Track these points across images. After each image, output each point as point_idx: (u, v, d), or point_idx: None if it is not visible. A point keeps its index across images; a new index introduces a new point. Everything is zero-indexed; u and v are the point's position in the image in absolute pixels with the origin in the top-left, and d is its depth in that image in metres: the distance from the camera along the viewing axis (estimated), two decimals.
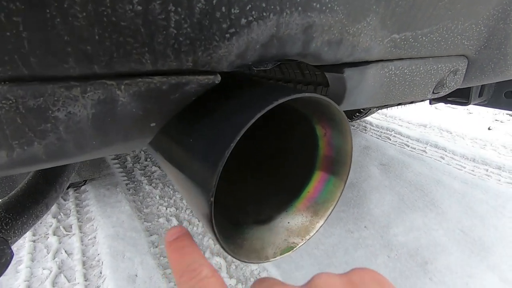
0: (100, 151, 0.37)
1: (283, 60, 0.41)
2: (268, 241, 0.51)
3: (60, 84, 0.29)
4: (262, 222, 0.54)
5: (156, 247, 1.88)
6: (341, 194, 0.54)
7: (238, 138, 0.33)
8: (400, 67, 0.57)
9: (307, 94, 0.37)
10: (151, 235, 1.98)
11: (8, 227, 0.61)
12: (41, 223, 2.20)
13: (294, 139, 0.58)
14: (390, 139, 3.72)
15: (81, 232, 2.06)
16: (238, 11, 0.31)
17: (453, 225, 2.06)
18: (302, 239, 0.53)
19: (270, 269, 1.71)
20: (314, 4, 0.35)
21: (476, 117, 4.59)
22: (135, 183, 2.59)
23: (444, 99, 1.41)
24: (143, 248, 1.86)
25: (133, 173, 2.76)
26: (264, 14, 0.32)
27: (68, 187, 2.46)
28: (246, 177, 0.63)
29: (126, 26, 0.27)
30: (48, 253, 1.90)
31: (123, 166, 2.88)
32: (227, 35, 0.32)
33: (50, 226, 2.13)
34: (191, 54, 0.31)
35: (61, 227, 2.12)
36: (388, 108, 4.73)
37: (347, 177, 0.54)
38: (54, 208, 2.34)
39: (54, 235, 2.04)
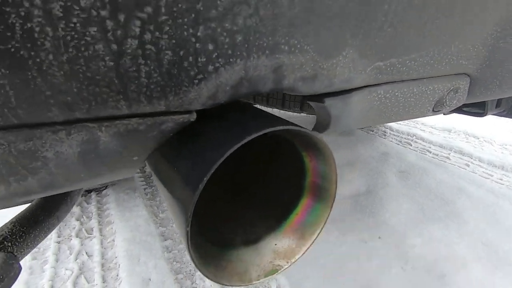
0: (89, 181, 0.41)
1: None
2: (253, 263, 0.53)
3: (47, 129, 0.33)
4: (249, 243, 0.56)
5: (170, 251, 1.94)
6: (327, 219, 0.55)
7: (208, 175, 0.35)
8: (390, 91, 0.56)
9: (282, 127, 0.39)
10: (165, 240, 2.05)
11: (21, 240, 0.67)
12: (65, 225, 2.34)
13: (284, 164, 0.60)
14: (411, 145, 3.59)
15: (101, 235, 2.17)
16: (204, 59, 0.33)
17: (475, 237, 1.96)
18: (288, 262, 0.54)
19: (279, 278, 1.71)
20: (282, 46, 0.36)
21: (507, 121, 4.33)
22: (153, 188, 2.69)
23: (459, 110, 1.36)
24: (158, 252, 1.92)
25: (151, 178, 2.87)
26: (231, 60, 0.34)
27: (91, 191, 2.59)
28: (238, 199, 0.65)
29: (101, 79, 0.30)
30: (71, 254, 2.01)
31: (142, 171, 3.00)
32: (196, 81, 0.34)
33: (74, 228, 2.25)
34: (163, 99, 0.33)
35: (83, 229, 2.24)
36: None
37: (332, 203, 0.54)
38: (77, 211, 2.48)
39: (77, 237, 2.16)
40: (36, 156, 0.35)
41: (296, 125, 0.40)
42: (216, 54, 0.33)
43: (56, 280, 1.85)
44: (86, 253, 2.02)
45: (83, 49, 0.28)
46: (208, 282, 1.75)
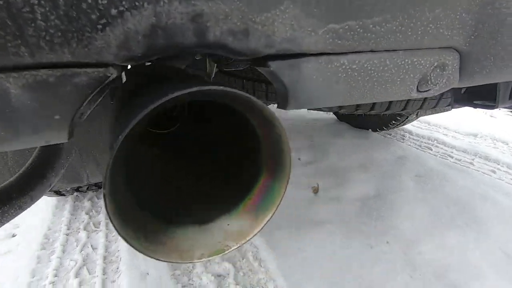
0: (12, 143, 0.39)
1: (188, 53, 0.39)
2: (199, 242, 0.49)
3: None
4: (201, 222, 0.53)
5: None
6: (280, 200, 0.50)
7: (122, 138, 0.33)
8: (357, 61, 0.51)
9: (203, 87, 0.36)
10: None
11: None
12: (75, 218, 2.41)
13: (241, 141, 0.56)
14: (431, 149, 3.40)
15: (107, 229, 2.21)
16: (105, 1, 0.31)
17: (494, 246, 1.79)
18: (237, 243, 0.50)
19: (277, 279, 1.65)
20: None
21: None
22: None
23: (470, 102, 1.26)
24: None
25: None
26: (137, 3, 0.32)
27: (63, 194, 2.54)
28: (196, 177, 0.62)
29: None
30: (77, 246, 2.07)
31: None
32: (99, 26, 0.32)
33: (83, 221, 2.32)
34: (66, 46, 0.32)
35: (91, 223, 2.30)
36: (432, 116, 4.34)
37: (287, 181, 0.50)
38: (88, 205, 2.55)
39: (85, 230, 2.21)
40: None
41: (226, 86, 0.36)
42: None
43: (61, 270, 1.90)
44: (91, 245, 2.07)
45: None
46: (205, 279, 1.72)
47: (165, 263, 1.81)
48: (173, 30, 0.35)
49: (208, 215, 0.53)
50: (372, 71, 0.55)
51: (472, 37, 0.58)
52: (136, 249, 0.40)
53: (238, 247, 0.50)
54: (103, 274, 1.80)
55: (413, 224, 2.02)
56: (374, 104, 1.43)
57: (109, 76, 0.36)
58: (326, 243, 1.86)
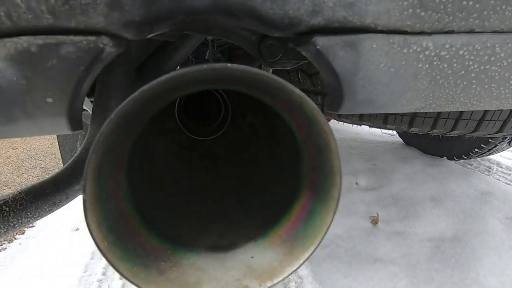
0: (9, 128, 0.34)
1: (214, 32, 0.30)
2: (211, 276, 0.37)
3: None
4: (218, 249, 0.41)
5: None
6: (327, 229, 0.36)
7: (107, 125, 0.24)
8: (448, 46, 0.36)
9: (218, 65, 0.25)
10: None
11: (21, 207, 0.67)
12: None
13: (277, 152, 0.44)
14: None
15: None
16: None
17: None
18: (260, 285, 0.37)
19: None
20: None
21: None
22: None
23: None
24: None
25: None
26: None
27: None
28: (221, 193, 0.51)
29: None
30: None
31: None
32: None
33: None
34: (43, 3, 0.25)
35: None
36: None
37: (337, 205, 0.35)
38: None
39: None
40: None
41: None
42: None
43: (108, 269, 1.96)
44: None
45: None
46: None
47: None
48: None
49: (227, 240, 0.42)
50: (471, 62, 0.38)
51: None
52: (121, 273, 0.31)
53: None
54: None
55: (502, 279, 1.60)
56: (456, 122, 1.15)
57: (104, 48, 0.29)
58: (386, 287, 1.57)
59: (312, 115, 0.30)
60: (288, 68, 0.53)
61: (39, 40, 0.29)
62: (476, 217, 2.17)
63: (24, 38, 0.29)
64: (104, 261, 2.03)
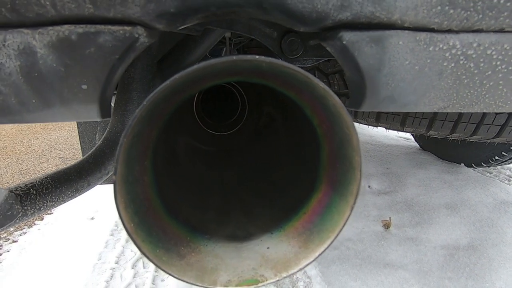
0: (46, 113, 0.36)
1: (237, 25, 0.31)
2: (228, 263, 0.39)
3: None
4: (235, 238, 0.42)
5: None
6: (345, 223, 0.36)
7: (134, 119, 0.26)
8: (476, 45, 0.35)
9: (243, 57, 0.26)
10: None
11: (47, 191, 0.70)
12: None
13: (296, 145, 0.45)
14: None
15: None
16: None
17: None
18: (276, 275, 0.37)
19: None
20: None
21: None
22: None
23: None
24: None
25: None
26: None
27: None
28: (241, 184, 0.52)
29: None
30: None
31: None
32: None
33: None
34: None
35: None
36: None
37: (355, 199, 0.36)
38: None
39: None
40: None
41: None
42: None
43: (121, 258, 2.02)
44: None
45: None
46: None
47: None
48: None
49: (244, 231, 0.43)
50: (499, 62, 0.37)
51: None
52: (145, 254, 0.32)
53: (277, 280, 0.37)
54: (155, 271, 1.84)
55: None
56: (478, 126, 1.12)
57: (138, 38, 0.30)
58: None
59: (336, 109, 0.30)
60: (307, 66, 0.53)
61: (80, 29, 0.31)
62: (493, 226, 2.11)
63: (65, 26, 0.31)
64: (117, 250, 2.09)
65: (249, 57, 0.26)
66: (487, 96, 0.41)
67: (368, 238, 1.98)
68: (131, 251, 2.07)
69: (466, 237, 1.98)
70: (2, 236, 2.32)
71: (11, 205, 0.53)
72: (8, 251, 2.15)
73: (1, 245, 2.22)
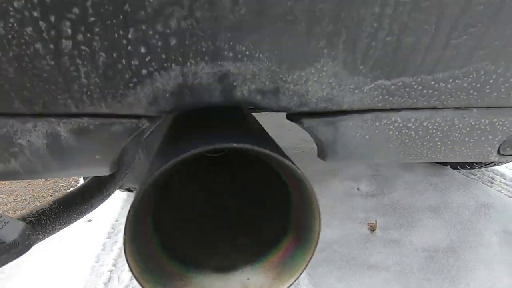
0: (63, 172, 0.44)
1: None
2: None
3: (16, 119, 0.37)
4: (221, 269, 0.51)
5: None
6: (306, 265, 0.45)
7: (144, 188, 0.34)
8: (413, 120, 0.44)
9: (225, 145, 0.34)
10: None
11: (55, 217, 0.78)
12: None
13: (273, 197, 0.53)
14: None
15: None
16: (137, 62, 0.32)
17: None
18: None
19: None
20: (225, 52, 0.32)
21: None
22: None
23: None
24: None
25: None
26: (165, 64, 0.32)
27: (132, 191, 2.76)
28: (225, 220, 0.60)
29: (47, 76, 0.33)
30: None
31: None
32: (131, 85, 0.33)
33: None
34: (103, 100, 0.34)
35: None
36: None
37: (314, 248, 0.45)
38: None
39: None
40: (12, 142, 0.40)
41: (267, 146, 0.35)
42: (149, 57, 0.32)
43: (118, 260, 2.10)
44: None
45: (24, 47, 0.32)
46: None
47: None
48: (200, 89, 0.35)
49: (229, 263, 0.51)
50: (434, 130, 0.46)
51: None
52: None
53: None
54: None
55: None
56: None
57: (142, 126, 0.38)
58: None
59: (304, 185, 0.39)
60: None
61: (97, 121, 0.39)
62: (472, 229, 2.23)
63: (85, 119, 0.39)
64: (114, 253, 2.17)
65: (228, 146, 0.34)
66: (429, 153, 0.50)
67: (354, 241, 2.09)
68: None
69: (446, 240, 2.10)
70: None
71: (28, 235, 0.61)
72: None
73: None
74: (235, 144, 0.36)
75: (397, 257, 1.92)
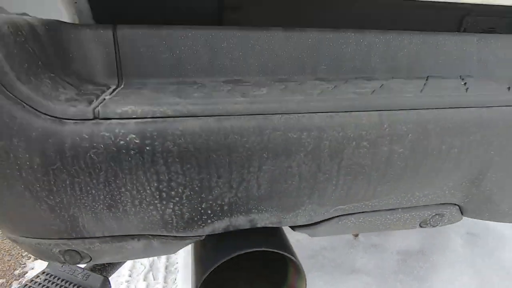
0: (149, 255, 0.71)
1: None
2: None
3: (128, 237, 0.63)
4: None
5: None
6: None
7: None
8: (362, 218, 0.71)
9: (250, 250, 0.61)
10: None
11: (112, 265, 1.04)
12: None
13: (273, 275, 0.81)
14: None
15: None
16: (205, 217, 0.59)
17: None
18: None
19: None
20: (254, 210, 0.59)
21: None
22: None
23: None
24: None
25: None
26: (220, 218, 0.59)
27: None
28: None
29: (152, 215, 0.59)
30: None
31: None
32: (202, 225, 0.60)
33: None
34: (182, 231, 0.60)
35: None
36: None
37: None
38: None
39: None
40: (124, 248, 0.66)
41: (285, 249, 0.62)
42: (212, 214, 0.59)
43: (133, 271, 2.36)
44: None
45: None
46: None
47: None
48: (239, 225, 0.62)
49: None
50: (377, 221, 0.74)
51: (466, 200, 0.73)
52: None
53: None
54: (164, 282, 2.21)
55: None
56: None
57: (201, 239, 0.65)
58: None
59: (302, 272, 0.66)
60: None
61: (176, 239, 0.64)
62: (442, 232, 2.56)
63: (169, 237, 0.65)
64: (129, 264, 2.43)
65: (242, 252, 0.61)
66: (374, 228, 0.79)
67: (340, 247, 2.39)
68: (141, 264, 2.41)
69: (418, 243, 2.43)
70: (24, 254, 2.61)
71: (106, 285, 0.88)
72: (33, 269, 2.46)
73: (25, 264, 2.52)
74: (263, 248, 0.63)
75: (377, 261, 2.23)
